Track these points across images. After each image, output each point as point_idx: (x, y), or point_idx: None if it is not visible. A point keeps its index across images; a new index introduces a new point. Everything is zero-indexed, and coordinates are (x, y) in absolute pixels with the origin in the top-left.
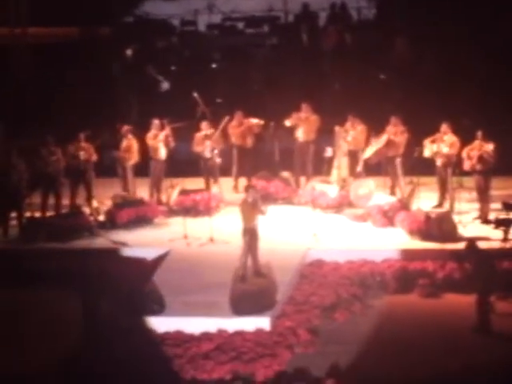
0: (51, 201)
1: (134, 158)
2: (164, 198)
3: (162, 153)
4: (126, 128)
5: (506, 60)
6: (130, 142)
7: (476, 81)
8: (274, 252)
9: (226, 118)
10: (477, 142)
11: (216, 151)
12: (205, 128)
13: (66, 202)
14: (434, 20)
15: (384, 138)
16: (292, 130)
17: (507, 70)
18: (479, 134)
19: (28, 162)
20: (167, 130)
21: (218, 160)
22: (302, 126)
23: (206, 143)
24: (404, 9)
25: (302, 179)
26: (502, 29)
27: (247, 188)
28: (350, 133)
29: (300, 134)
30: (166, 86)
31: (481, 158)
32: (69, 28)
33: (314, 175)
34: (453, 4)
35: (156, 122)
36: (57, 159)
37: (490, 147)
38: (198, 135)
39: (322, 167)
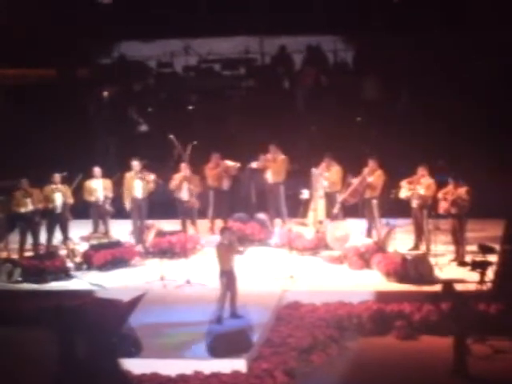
0: (28, 241)
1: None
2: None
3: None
4: (97, 170)
5: (478, 98)
6: (106, 183)
7: (450, 121)
8: (251, 294)
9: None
10: (450, 186)
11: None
12: (183, 169)
13: (42, 242)
14: (410, 61)
15: (358, 180)
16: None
17: (480, 108)
18: (452, 177)
19: (3, 203)
20: (151, 177)
21: (196, 202)
22: (270, 167)
23: (184, 185)
24: (378, 51)
25: (277, 221)
26: (475, 68)
27: (223, 230)
28: (325, 175)
29: (269, 176)
30: (144, 128)
31: (455, 202)
32: (46, 70)
33: (290, 217)
34: (428, 44)
35: (135, 163)
36: (32, 201)
37: (463, 191)
38: (177, 176)
39: (298, 209)
